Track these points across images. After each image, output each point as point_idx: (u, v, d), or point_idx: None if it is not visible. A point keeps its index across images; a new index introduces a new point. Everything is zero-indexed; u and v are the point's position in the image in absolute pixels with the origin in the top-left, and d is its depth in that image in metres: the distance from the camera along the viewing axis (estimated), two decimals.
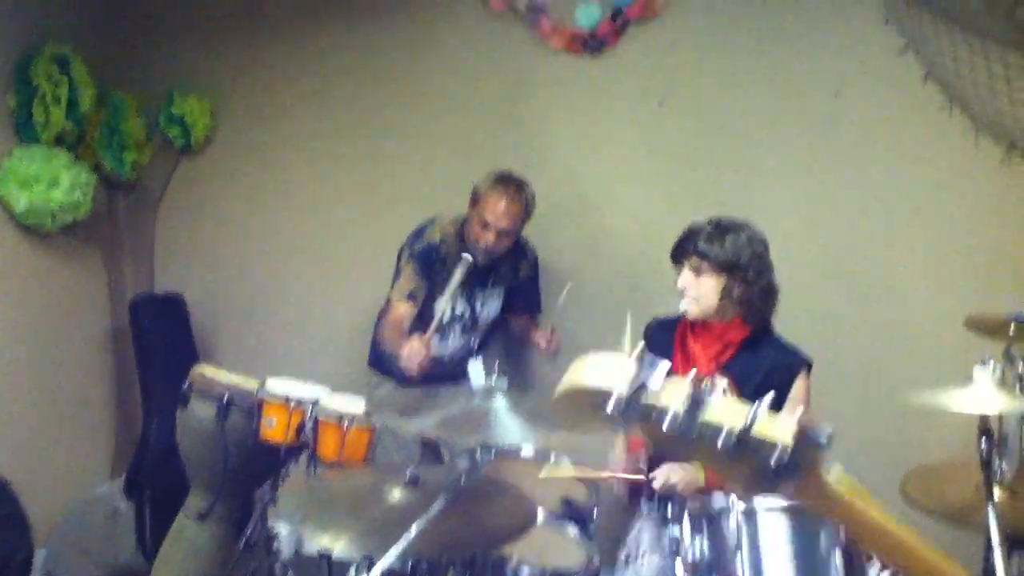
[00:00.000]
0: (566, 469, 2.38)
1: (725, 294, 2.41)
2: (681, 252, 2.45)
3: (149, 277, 4.11)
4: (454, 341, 3.16)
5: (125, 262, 4.08)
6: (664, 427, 0.96)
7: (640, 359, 0.98)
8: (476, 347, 3.19)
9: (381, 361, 3.13)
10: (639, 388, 0.97)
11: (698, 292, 2.42)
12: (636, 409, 0.97)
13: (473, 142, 3.55)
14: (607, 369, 0.99)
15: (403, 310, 2.98)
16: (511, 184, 2.94)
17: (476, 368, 2.01)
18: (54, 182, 3.47)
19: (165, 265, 4.12)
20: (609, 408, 0.97)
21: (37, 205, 3.43)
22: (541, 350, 3.14)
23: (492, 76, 3.51)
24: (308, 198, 3.87)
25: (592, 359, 1.01)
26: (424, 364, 2.75)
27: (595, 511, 2.53)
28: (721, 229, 2.41)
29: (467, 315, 3.12)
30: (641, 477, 2.38)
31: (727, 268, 2.38)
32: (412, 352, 2.74)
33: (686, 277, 2.43)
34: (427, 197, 3.57)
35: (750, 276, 2.39)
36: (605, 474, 2.43)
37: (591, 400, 0.99)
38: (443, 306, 2.82)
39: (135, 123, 3.88)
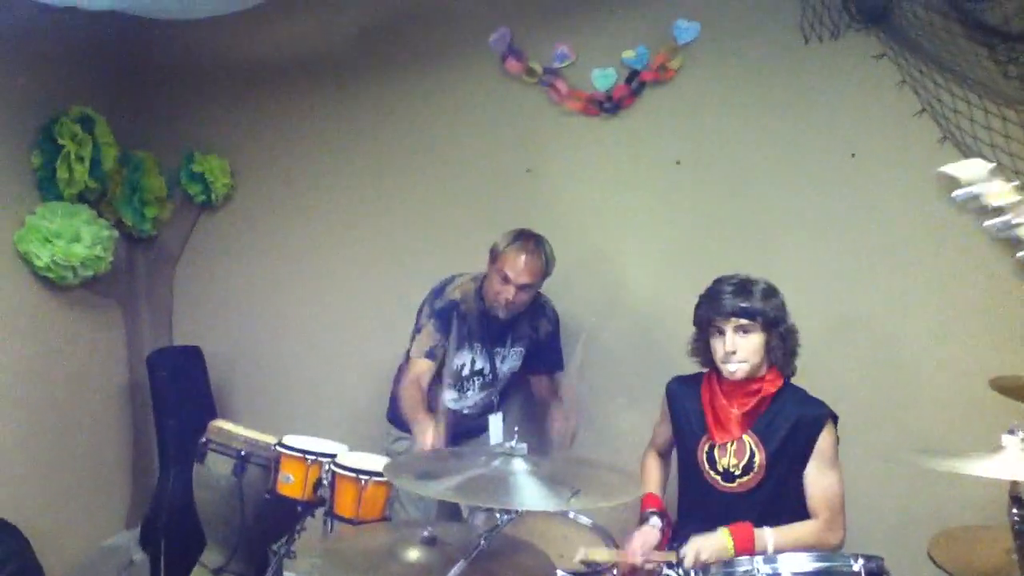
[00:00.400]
0: (603, 552, 2.32)
1: (767, 349, 2.40)
2: (719, 313, 2.40)
3: (167, 331, 4.16)
4: (473, 396, 3.15)
5: (144, 316, 4.12)
6: (984, 224, 1.52)
7: (992, 171, 1.53)
8: (497, 402, 3.17)
9: (399, 416, 3.12)
10: (975, 194, 1.50)
11: (747, 353, 2.39)
12: (967, 204, 1.53)
13: (490, 202, 3.58)
14: (967, 169, 1.53)
15: (422, 368, 2.97)
16: (530, 240, 2.96)
17: (496, 423, 2.00)
18: (75, 238, 3.53)
19: (183, 319, 4.16)
20: (952, 193, 1.53)
21: (58, 260, 3.49)
22: (555, 432, 3.09)
23: (509, 138, 3.55)
24: (325, 254, 3.90)
25: (971, 160, 1.56)
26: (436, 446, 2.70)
27: (615, 571, 2.50)
28: (749, 284, 2.40)
29: (487, 371, 3.11)
30: (672, 557, 2.30)
31: (770, 323, 2.37)
32: (426, 440, 2.67)
33: (733, 340, 2.38)
34: (444, 255, 3.59)
35: (783, 329, 2.40)
36: (638, 558, 2.34)
37: (950, 185, 1.54)
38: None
39: (156, 180, 3.96)
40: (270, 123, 3.94)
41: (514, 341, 3.15)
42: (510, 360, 3.16)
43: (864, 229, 3.08)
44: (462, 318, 3.02)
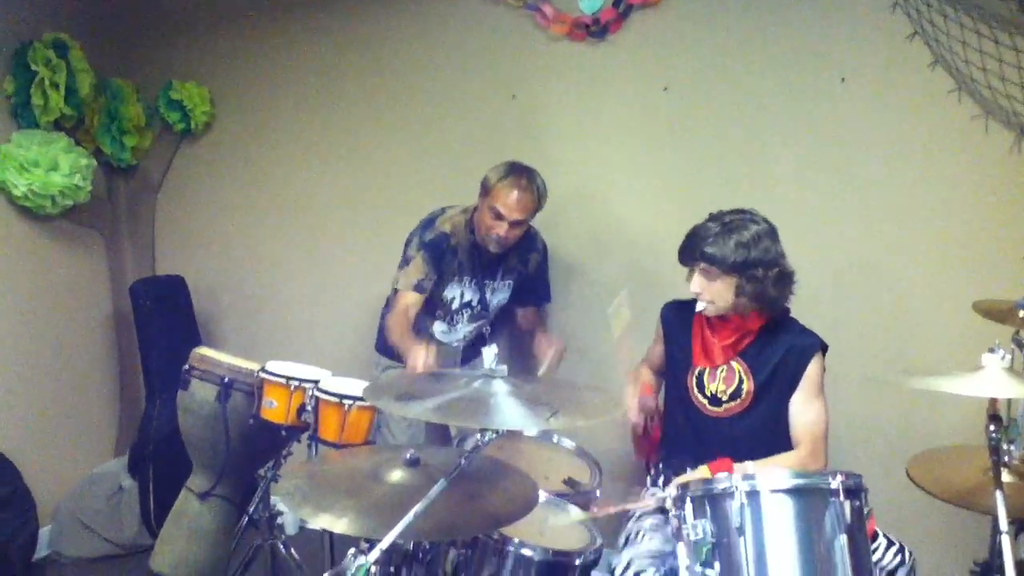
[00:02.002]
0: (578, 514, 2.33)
1: (739, 292, 2.39)
2: (689, 256, 2.43)
3: (150, 260, 4.15)
4: (463, 328, 3.14)
5: (126, 245, 4.11)
6: None
7: None
8: (488, 333, 3.16)
9: (387, 346, 3.11)
10: None
11: (712, 295, 2.41)
12: None
13: (475, 129, 3.53)
14: None
15: (410, 300, 2.95)
16: (523, 175, 2.90)
17: (489, 353, 1.99)
18: (53, 166, 3.48)
19: (166, 248, 4.14)
20: None
21: (36, 190, 3.45)
22: (540, 354, 3.06)
23: (494, 64, 3.48)
24: (308, 182, 3.86)
25: None
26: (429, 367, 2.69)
27: (598, 492, 2.52)
28: (726, 229, 2.37)
29: (476, 302, 3.10)
30: (649, 503, 2.32)
31: (737, 269, 2.36)
32: (417, 361, 2.67)
33: (698, 281, 2.42)
34: (429, 184, 3.56)
35: (759, 272, 2.36)
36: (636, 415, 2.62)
37: None
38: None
39: (135, 109, 3.90)
40: (250, 50, 3.86)
41: (504, 274, 3.13)
42: (500, 293, 3.15)
43: (853, 154, 3.04)
44: (452, 251, 3.00)
